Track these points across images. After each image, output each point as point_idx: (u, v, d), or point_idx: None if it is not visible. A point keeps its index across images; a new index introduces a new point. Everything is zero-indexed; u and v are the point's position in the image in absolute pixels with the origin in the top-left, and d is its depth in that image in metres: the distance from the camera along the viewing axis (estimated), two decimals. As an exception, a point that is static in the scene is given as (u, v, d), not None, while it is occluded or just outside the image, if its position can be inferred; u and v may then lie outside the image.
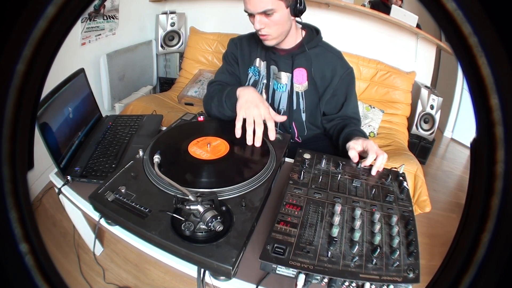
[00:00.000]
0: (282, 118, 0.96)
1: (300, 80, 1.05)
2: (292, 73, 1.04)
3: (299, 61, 1.03)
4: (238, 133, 0.88)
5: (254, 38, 1.09)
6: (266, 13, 0.88)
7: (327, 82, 1.03)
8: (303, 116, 1.10)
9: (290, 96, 1.07)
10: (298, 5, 0.92)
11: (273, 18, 0.89)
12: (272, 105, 1.10)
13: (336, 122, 1.10)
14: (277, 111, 1.10)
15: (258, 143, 0.85)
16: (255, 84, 1.11)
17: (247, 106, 0.89)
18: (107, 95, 2.22)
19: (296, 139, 1.17)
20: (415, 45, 2.38)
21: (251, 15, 0.92)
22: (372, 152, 0.83)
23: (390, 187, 0.78)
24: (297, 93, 1.06)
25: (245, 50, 1.11)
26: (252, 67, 1.10)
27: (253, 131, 0.86)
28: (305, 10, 0.95)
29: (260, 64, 1.09)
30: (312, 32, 1.05)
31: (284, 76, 1.06)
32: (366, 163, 0.83)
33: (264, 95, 1.10)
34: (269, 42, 0.97)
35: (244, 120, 0.88)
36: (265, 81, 1.09)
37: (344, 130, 1.02)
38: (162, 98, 2.32)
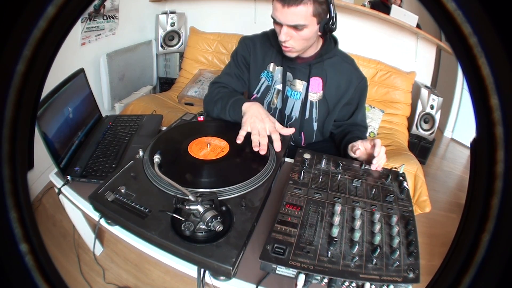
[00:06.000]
0: (289, 131, 0.93)
1: (316, 89, 1.03)
2: (308, 81, 1.02)
3: (316, 71, 1.01)
4: (240, 139, 0.87)
5: (268, 41, 1.05)
6: (295, 27, 0.85)
7: (342, 92, 1.02)
8: (315, 125, 1.09)
9: (303, 104, 1.05)
10: (330, 23, 0.88)
11: (302, 33, 0.86)
12: (283, 111, 1.09)
13: (343, 128, 1.10)
14: (289, 118, 1.09)
15: (263, 152, 0.84)
16: (267, 90, 1.08)
17: (252, 120, 0.89)
18: (107, 95, 2.21)
19: (301, 145, 1.15)
20: (415, 45, 2.38)
21: (277, 24, 0.88)
22: (378, 145, 0.84)
23: (390, 187, 0.78)
24: (311, 102, 1.05)
25: (258, 53, 1.07)
26: (266, 72, 1.07)
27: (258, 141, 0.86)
28: (335, 30, 0.90)
29: (274, 69, 1.06)
30: (330, 42, 1.02)
31: (299, 84, 1.04)
32: (375, 152, 0.83)
33: (275, 100, 1.08)
34: (291, 54, 0.94)
35: (248, 133, 0.88)
36: (278, 86, 1.06)
37: (346, 137, 1.02)
38: (162, 98, 2.32)
